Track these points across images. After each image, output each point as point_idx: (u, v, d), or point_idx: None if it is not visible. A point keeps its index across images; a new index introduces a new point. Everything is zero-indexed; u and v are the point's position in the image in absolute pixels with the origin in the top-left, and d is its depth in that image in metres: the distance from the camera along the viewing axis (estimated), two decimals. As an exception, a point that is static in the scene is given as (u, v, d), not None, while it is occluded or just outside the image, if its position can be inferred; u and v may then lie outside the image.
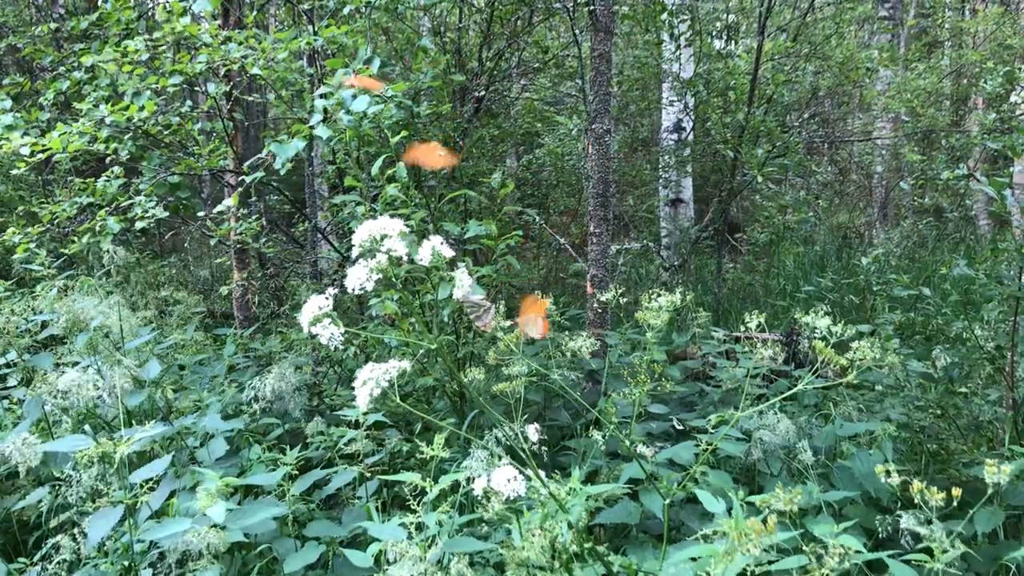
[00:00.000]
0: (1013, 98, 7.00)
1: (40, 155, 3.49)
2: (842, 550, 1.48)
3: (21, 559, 2.54)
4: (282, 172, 3.37)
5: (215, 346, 4.98)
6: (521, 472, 1.47)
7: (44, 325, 2.92)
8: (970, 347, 3.77)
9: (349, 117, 2.78)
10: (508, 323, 1.79)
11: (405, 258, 1.42)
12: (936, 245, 9.36)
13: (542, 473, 1.59)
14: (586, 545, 1.57)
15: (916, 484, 1.52)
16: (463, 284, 1.53)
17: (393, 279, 1.42)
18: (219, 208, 3.90)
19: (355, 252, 1.43)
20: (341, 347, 3.84)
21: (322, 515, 2.71)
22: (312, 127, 2.95)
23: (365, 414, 2.71)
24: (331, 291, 1.41)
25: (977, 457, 3.12)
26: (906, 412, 3.38)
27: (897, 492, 1.61)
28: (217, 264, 8.47)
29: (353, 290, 1.40)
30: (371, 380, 1.42)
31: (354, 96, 2.81)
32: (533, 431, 1.63)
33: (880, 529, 2.27)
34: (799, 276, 7.66)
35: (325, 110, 2.88)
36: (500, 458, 1.78)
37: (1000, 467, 1.51)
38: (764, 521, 1.36)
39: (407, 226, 1.45)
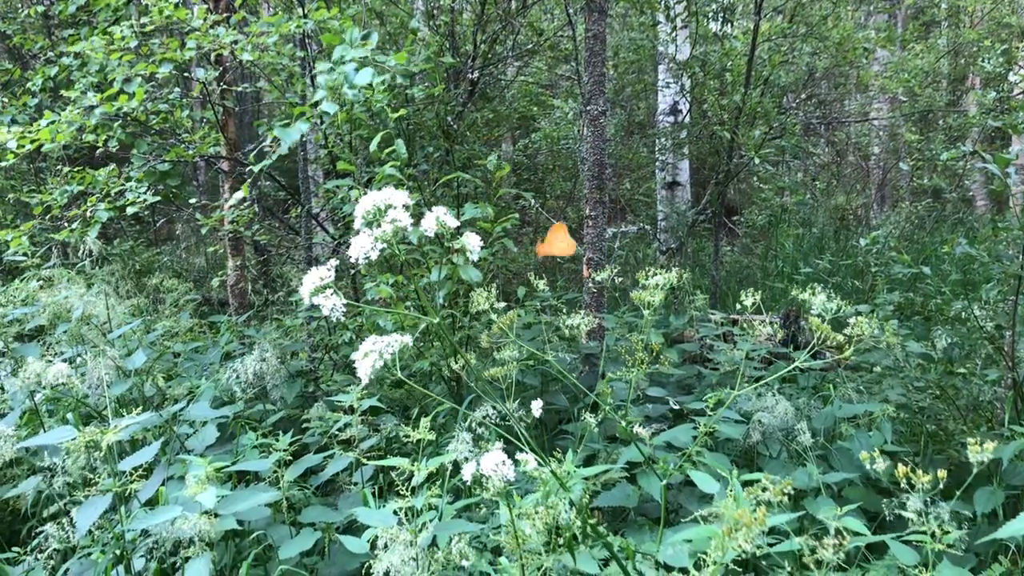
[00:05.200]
0: (1011, 77, 6.96)
1: (29, 146, 3.45)
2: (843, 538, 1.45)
3: (15, 548, 2.52)
4: (275, 157, 3.33)
5: (210, 334, 4.95)
6: (511, 456, 1.44)
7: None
8: (970, 327, 3.75)
9: (354, 91, 2.73)
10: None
11: (410, 228, 1.39)
12: (935, 226, 9.34)
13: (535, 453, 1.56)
14: (591, 521, 1.55)
15: (901, 468, 1.51)
16: (473, 248, 1.49)
17: (397, 251, 1.39)
18: (231, 202, 3.84)
19: (358, 223, 1.40)
20: (334, 332, 3.83)
21: (318, 501, 2.69)
22: (317, 103, 2.90)
23: (360, 399, 2.69)
24: (333, 262, 1.39)
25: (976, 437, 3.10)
26: (905, 393, 3.36)
27: (890, 474, 1.59)
28: (211, 251, 8.44)
29: (356, 260, 1.37)
30: (373, 352, 1.39)
31: (356, 69, 2.76)
32: (536, 407, 1.60)
33: (887, 512, 2.26)
34: (797, 258, 7.64)
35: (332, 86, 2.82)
36: (490, 442, 1.75)
37: (984, 445, 1.49)
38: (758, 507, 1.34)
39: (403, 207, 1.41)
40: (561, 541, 1.58)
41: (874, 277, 4.89)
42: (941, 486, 1.49)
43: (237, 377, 2.97)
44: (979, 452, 1.49)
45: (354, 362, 1.42)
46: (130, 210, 3.36)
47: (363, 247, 1.35)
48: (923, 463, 3.01)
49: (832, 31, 6.83)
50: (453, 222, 1.42)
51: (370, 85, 2.78)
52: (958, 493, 1.79)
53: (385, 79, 2.81)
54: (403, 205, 1.38)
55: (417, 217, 1.43)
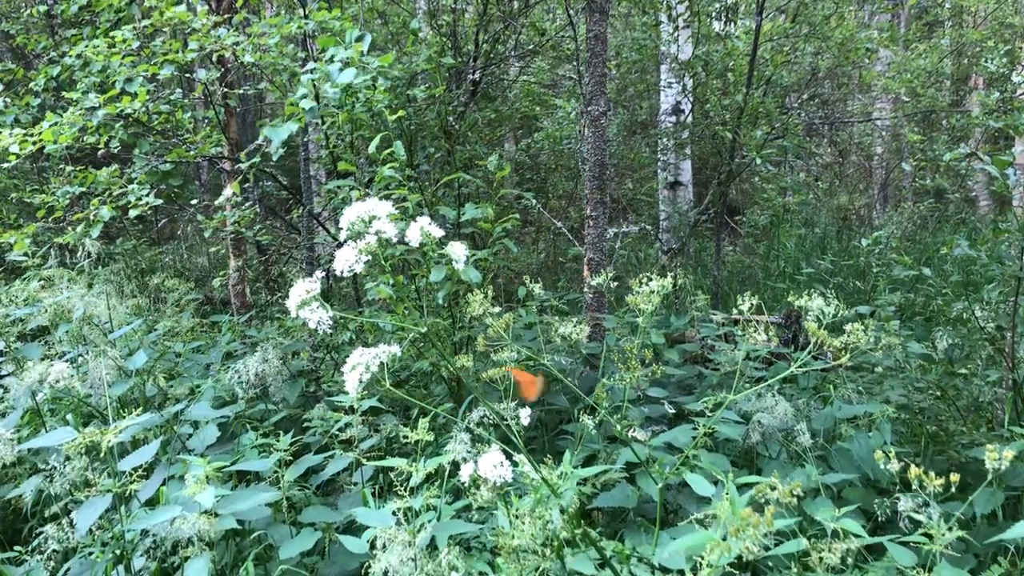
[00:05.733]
0: (1015, 78, 6.94)
1: (31, 148, 3.46)
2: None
3: (17, 547, 2.53)
4: (275, 157, 3.34)
5: (212, 333, 4.96)
6: (509, 457, 1.44)
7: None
8: (970, 328, 3.74)
9: (334, 90, 2.73)
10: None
11: (395, 239, 1.39)
12: (937, 227, 9.32)
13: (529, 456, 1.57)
14: (577, 531, 1.55)
15: (914, 470, 1.50)
16: (458, 258, 1.49)
17: (383, 261, 1.39)
18: (219, 201, 3.86)
19: (343, 235, 1.39)
20: (335, 332, 3.83)
21: (318, 501, 2.70)
22: (296, 102, 2.91)
23: (360, 399, 2.69)
24: (319, 274, 1.38)
25: (976, 438, 3.10)
26: (905, 394, 3.36)
27: (896, 476, 1.58)
28: (214, 251, 8.45)
29: (341, 272, 1.36)
30: (360, 365, 1.39)
31: (340, 69, 2.77)
32: (524, 414, 1.60)
33: (879, 512, 2.26)
34: (799, 258, 7.63)
35: (313, 84, 2.83)
36: (488, 443, 1.75)
37: (1002, 452, 1.48)
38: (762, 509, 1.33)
39: (402, 208, 1.42)
40: (553, 547, 1.58)
41: (876, 278, 4.88)
42: (949, 489, 1.48)
43: (239, 378, 2.98)
44: (997, 460, 1.48)
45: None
46: (132, 213, 3.38)
47: (347, 260, 1.35)
48: (923, 464, 3.01)
49: (835, 31, 6.82)
50: (438, 232, 1.42)
51: (350, 85, 2.77)
52: (970, 498, 1.79)
53: (367, 79, 2.81)
54: (387, 215, 1.37)
55: (418, 216, 1.44)
